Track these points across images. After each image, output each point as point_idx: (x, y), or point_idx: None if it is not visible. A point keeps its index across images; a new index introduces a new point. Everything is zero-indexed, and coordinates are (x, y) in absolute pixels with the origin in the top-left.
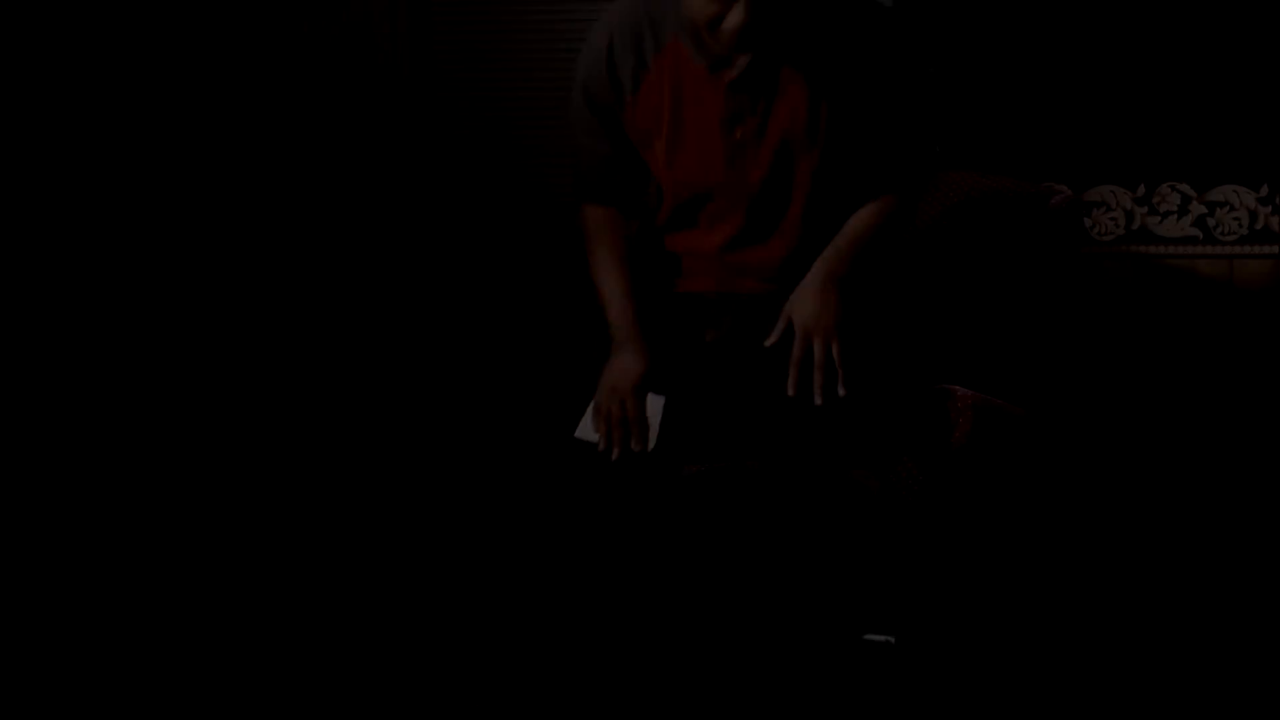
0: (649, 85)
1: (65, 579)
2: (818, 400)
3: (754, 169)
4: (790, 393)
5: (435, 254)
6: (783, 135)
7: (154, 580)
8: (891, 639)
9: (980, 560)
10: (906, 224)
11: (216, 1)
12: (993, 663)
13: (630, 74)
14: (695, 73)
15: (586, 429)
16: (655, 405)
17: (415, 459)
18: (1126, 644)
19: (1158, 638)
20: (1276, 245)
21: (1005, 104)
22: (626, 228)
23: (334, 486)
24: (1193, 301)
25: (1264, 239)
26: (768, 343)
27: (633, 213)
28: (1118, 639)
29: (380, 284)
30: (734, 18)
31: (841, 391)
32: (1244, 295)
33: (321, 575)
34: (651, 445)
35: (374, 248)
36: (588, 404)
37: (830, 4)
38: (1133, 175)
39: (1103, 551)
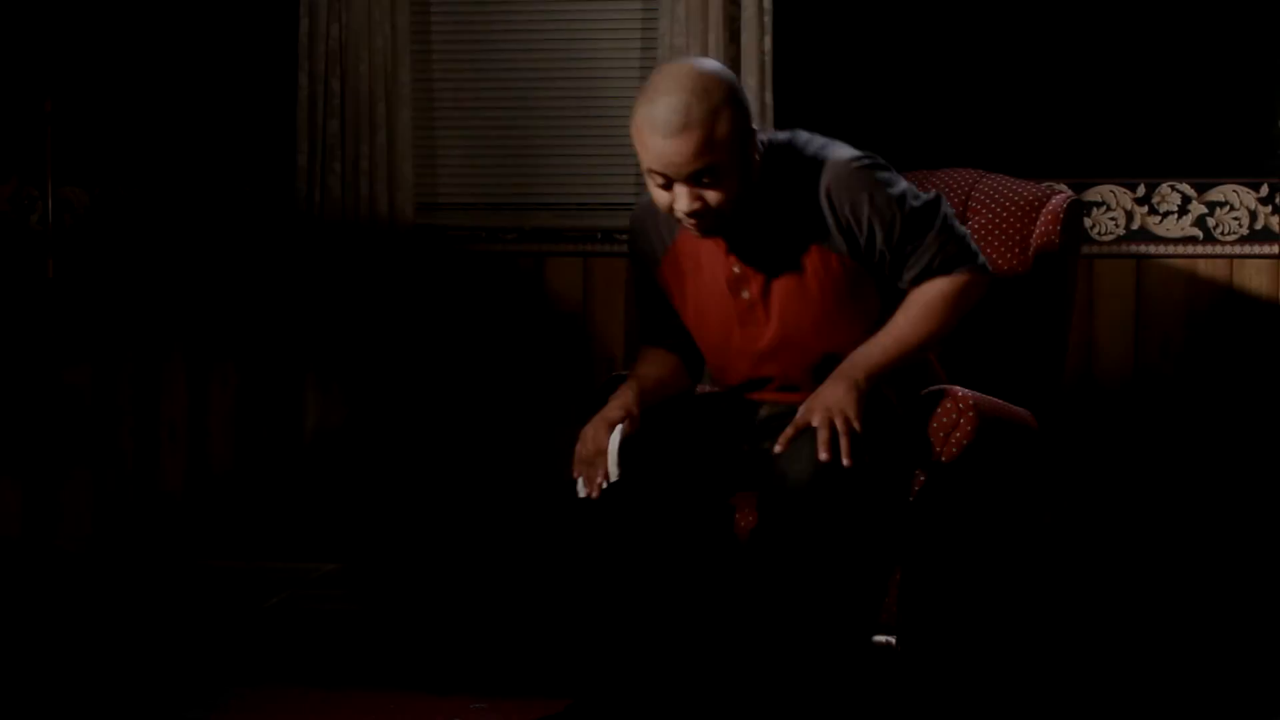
0: (674, 253)
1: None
2: (823, 457)
3: (765, 329)
4: (776, 450)
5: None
6: (785, 295)
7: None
8: (891, 639)
9: (979, 562)
10: (949, 332)
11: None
12: (993, 663)
13: (660, 241)
14: (708, 242)
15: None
16: (614, 439)
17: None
18: (1126, 645)
19: (1157, 639)
20: (1276, 245)
21: (1005, 103)
22: (680, 370)
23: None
24: (1193, 301)
25: (1264, 239)
26: (779, 443)
27: (693, 364)
28: (1117, 640)
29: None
30: (680, 205)
31: (846, 462)
32: (1244, 295)
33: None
34: (614, 477)
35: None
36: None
37: (797, 169)
38: (1133, 175)
39: (1102, 553)
